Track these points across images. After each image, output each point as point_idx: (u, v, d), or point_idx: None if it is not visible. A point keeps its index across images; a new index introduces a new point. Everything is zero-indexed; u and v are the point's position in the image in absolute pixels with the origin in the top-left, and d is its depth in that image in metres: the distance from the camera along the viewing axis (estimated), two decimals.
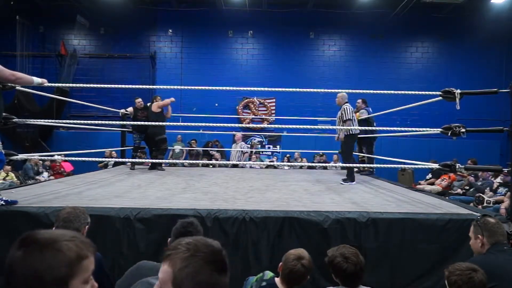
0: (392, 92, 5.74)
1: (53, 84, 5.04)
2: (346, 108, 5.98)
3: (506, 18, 12.93)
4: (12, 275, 0.91)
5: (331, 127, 7.09)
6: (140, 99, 7.50)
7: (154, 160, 6.79)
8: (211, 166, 9.59)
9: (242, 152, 10.31)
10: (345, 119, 5.93)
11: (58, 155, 6.93)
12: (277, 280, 2.31)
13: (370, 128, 6.59)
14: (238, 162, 9.54)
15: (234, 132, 12.17)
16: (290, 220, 3.31)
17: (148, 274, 1.82)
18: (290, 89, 5.58)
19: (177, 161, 7.03)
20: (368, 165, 6.61)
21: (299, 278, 2.22)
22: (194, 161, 6.06)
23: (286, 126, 5.46)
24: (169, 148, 11.46)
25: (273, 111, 13.36)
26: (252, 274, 3.26)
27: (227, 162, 9.43)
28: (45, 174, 10.48)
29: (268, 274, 2.37)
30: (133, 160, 7.03)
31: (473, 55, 13.39)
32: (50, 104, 12.41)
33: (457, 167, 4.05)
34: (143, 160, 8.10)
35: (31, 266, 0.90)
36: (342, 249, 2.13)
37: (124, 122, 7.72)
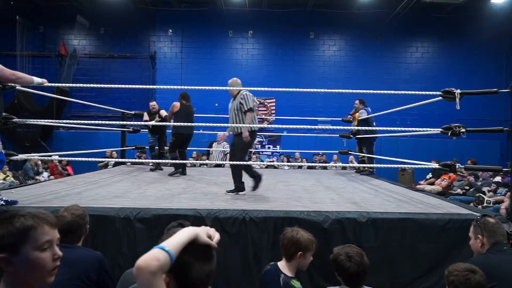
0: (392, 92, 5.74)
1: (53, 84, 5.04)
2: (246, 95, 4.60)
3: (506, 18, 12.93)
4: None
5: (331, 127, 7.08)
6: (154, 103, 7.20)
7: (155, 161, 6.78)
8: (205, 165, 9.56)
9: (224, 153, 10.16)
10: (246, 109, 4.56)
11: (57, 155, 6.94)
12: (279, 263, 2.42)
13: (370, 128, 6.58)
14: (221, 162, 9.32)
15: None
16: (290, 220, 3.30)
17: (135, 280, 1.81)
18: (290, 89, 5.58)
19: (178, 161, 7.02)
20: (368, 165, 6.60)
21: (293, 248, 2.34)
22: (193, 161, 6.06)
23: (286, 126, 5.44)
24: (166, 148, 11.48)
25: (273, 111, 13.37)
26: (252, 275, 3.26)
27: (210, 162, 9.26)
28: (45, 174, 10.48)
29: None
30: (134, 160, 7.03)
31: (473, 55, 13.39)
32: (50, 104, 12.42)
33: (457, 167, 4.04)
34: (144, 161, 8.09)
35: None
36: (347, 249, 2.13)
37: (125, 122, 7.72)
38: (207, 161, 9.95)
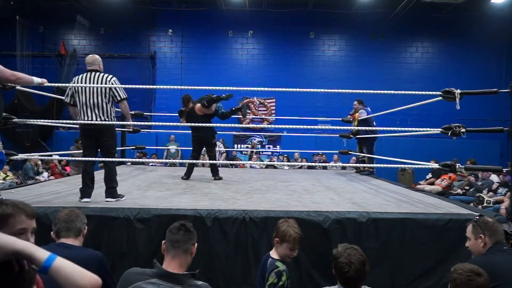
0: (392, 92, 5.74)
1: (53, 84, 5.05)
2: None
3: (506, 18, 12.93)
4: None
5: (331, 127, 7.09)
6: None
7: (155, 160, 6.78)
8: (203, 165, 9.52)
9: (220, 153, 10.10)
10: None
11: (57, 155, 6.94)
12: (271, 251, 2.59)
13: (370, 128, 6.58)
14: (219, 162, 9.21)
15: (234, 132, 12.18)
16: None
17: (138, 279, 1.81)
18: (290, 89, 5.58)
19: (176, 161, 7.02)
20: (368, 165, 6.60)
21: (274, 233, 2.56)
22: (192, 161, 6.07)
23: (286, 126, 5.44)
24: (163, 148, 11.47)
25: (273, 111, 13.36)
26: (252, 275, 3.26)
27: (201, 161, 9.14)
28: (45, 174, 10.48)
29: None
30: (134, 160, 7.04)
31: (473, 55, 13.39)
32: (50, 104, 12.41)
33: (457, 167, 4.04)
34: (144, 160, 8.11)
35: None
36: (351, 251, 2.04)
37: (125, 122, 7.71)
38: (205, 161, 9.93)
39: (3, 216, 1.38)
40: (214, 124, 5.90)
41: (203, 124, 5.31)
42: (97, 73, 3.92)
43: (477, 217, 2.65)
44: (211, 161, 5.96)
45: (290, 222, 2.58)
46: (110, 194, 3.82)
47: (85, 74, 3.95)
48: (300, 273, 3.24)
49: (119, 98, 3.94)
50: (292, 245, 2.47)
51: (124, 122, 4.39)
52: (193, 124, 5.69)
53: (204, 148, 6.22)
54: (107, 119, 3.89)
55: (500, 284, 2.17)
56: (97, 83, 3.84)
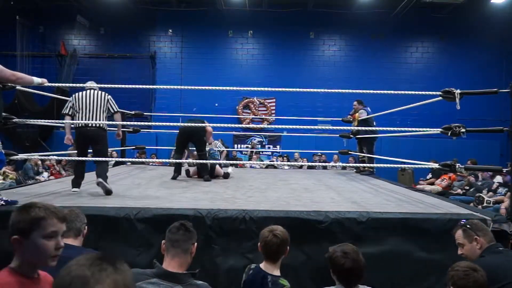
0: (392, 92, 5.73)
1: (53, 84, 5.05)
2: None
3: (506, 18, 12.93)
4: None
5: (331, 127, 7.09)
6: None
7: (154, 160, 6.78)
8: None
9: (219, 152, 10.02)
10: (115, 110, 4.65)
11: (57, 155, 6.94)
12: (262, 265, 2.46)
13: (370, 128, 6.58)
14: (219, 162, 9.18)
15: (234, 132, 12.18)
16: (290, 220, 3.30)
17: (138, 279, 1.82)
18: (290, 89, 5.56)
19: (175, 161, 7.02)
20: (368, 165, 6.60)
21: (276, 249, 2.37)
22: (192, 161, 6.09)
23: (286, 126, 5.42)
24: (163, 148, 11.44)
25: (273, 111, 13.37)
26: None
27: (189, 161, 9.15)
28: (45, 174, 10.48)
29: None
30: (134, 160, 7.05)
31: (473, 55, 13.40)
32: (51, 104, 12.41)
33: (457, 167, 4.04)
34: (144, 160, 8.11)
35: (11, 219, 1.48)
36: (343, 246, 2.18)
37: (124, 123, 7.71)
38: (206, 161, 9.91)
39: (36, 219, 1.45)
40: (215, 124, 5.90)
41: (200, 124, 5.44)
42: (95, 91, 4.53)
43: (463, 221, 2.60)
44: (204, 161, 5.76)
45: (276, 228, 2.47)
46: (102, 177, 4.23)
47: (86, 91, 4.52)
48: (299, 273, 3.24)
49: (115, 110, 4.57)
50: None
51: (117, 122, 4.74)
52: (192, 124, 5.71)
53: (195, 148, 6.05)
54: (102, 127, 4.48)
55: (503, 286, 2.15)
56: (97, 99, 4.45)
